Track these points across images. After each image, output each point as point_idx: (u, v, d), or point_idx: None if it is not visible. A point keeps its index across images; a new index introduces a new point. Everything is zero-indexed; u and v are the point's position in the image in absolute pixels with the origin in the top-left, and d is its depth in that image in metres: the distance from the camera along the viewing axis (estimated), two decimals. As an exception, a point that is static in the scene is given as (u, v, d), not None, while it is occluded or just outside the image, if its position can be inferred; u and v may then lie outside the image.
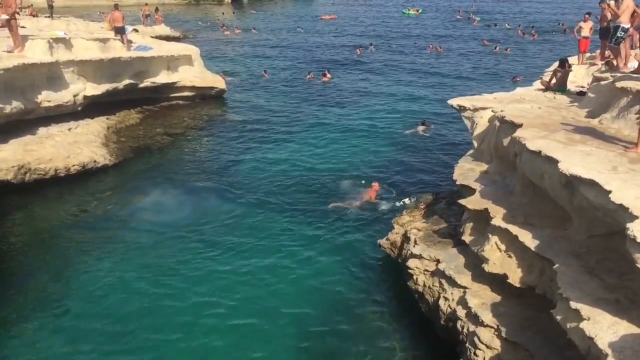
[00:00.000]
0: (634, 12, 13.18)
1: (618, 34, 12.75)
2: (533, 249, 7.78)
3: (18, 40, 18.35)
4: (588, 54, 18.64)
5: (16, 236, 14.48)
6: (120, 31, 23.07)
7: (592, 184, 6.61)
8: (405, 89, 29.62)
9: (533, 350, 7.46)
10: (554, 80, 14.56)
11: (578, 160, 7.35)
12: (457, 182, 11.23)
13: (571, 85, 14.85)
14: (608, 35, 16.70)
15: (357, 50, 39.61)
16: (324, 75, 31.02)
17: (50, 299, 11.84)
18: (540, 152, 7.95)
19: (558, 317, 6.39)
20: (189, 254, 13.63)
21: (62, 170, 16.90)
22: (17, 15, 18.59)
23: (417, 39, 44.83)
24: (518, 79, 29.19)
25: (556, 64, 15.89)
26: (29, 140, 17.54)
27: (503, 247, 8.54)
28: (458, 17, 57.70)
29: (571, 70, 15.21)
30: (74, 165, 17.16)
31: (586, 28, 18.48)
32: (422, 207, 14.27)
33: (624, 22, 13.09)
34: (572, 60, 17.52)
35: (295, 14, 64.12)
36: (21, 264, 13.16)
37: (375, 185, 16.60)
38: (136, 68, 22.88)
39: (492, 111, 11.87)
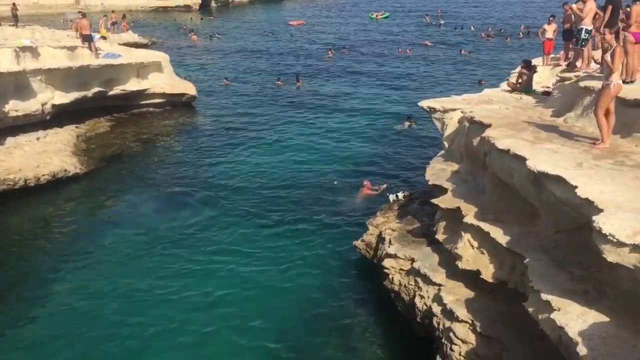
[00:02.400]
0: (596, 14, 13.63)
1: (582, 36, 13.16)
2: (504, 245, 8.02)
3: (-17, 50, 18.07)
4: (552, 55, 19.14)
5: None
6: (87, 39, 22.84)
7: (559, 180, 6.86)
8: (378, 90, 30.03)
9: (507, 343, 7.69)
10: (520, 82, 14.95)
11: (545, 157, 7.60)
12: (430, 182, 11.47)
13: (536, 86, 15.24)
14: (571, 37, 17.26)
15: (329, 52, 39.92)
16: (297, 80, 31.14)
17: (20, 309, 11.66)
18: (508, 150, 8.20)
19: (530, 309, 6.62)
20: (161, 260, 13.59)
21: (32, 180, 16.67)
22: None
23: (386, 43, 45.26)
24: (483, 82, 29.66)
25: (521, 65, 16.33)
26: (-4, 150, 17.28)
27: (475, 244, 8.77)
28: (426, 21, 58.39)
29: (536, 72, 15.62)
30: (43, 175, 16.94)
31: (550, 30, 18.96)
32: (395, 208, 14.47)
33: (588, 24, 13.52)
34: (537, 61, 17.96)
35: (263, 20, 64.08)
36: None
37: (367, 183, 16.91)
38: (105, 76, 22.68)
39: (462, 112, 12.12)
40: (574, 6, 14.24)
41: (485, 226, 8.54)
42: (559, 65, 17.44)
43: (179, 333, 10.94)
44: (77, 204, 16.74)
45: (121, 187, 17.89)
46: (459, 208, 9.63)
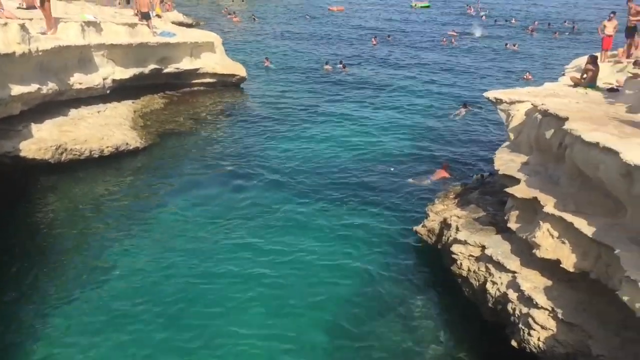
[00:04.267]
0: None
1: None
2: (590, 236, 8.18)
3: (51, 23, 18.53)
4: (610, 52, 19.03)
5: (52, 215, 14.65)
6: (145, 16, 23.26)
7: (657, 174, 7.00)
8: (425, 79, 30.27)
9: (590, 331, 7.88)
10: (585, 77, 14.95)
11: (639, 152, 7.71)
12: (500, 172, 11.62)
13: (599, 82, 15.23)
14: (633, 34, 17.24)
15: (373, 39, 40.00)
16: (343, 66, 31.33)
17: (84, 277, 12.02)
18: (597, 143, 8.32)
19: (625, 298, 6.79)
20: (217, 236, 13.87)
21: (97, 152, 17.17)
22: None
23: (429, 32, 45.09)
24: (529, 77, 29.47)
25: (576, 61, 16.37)
26: (62, 121, 17.75)
27: (556, 233, 8.93)
28: (469, 12, 57.89)
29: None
30: (107, 147, 17.42)
31: (610, 27, 18.86)
32: (451, 196, 14.65)
33: None
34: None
35: (303, 4, 64.12)
36: (57, 243, 13.41)
37: (445, 165, 17.51)
38: (161, 53, 23.12)
39: (532, 104, 12.22)
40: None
41: (568, 217, 8.71)
42: (619, 62, 17.35)
43: (237, 311, 11.10)
44: (138, 177, 17.16)
45: (177, 163, 18.27)
46: (535, 198, 9.79)
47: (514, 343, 8.89)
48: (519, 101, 13.27)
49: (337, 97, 26.03)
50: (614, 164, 7.90)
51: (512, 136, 13.23)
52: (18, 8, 20.97)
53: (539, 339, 8.36)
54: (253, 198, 15.96)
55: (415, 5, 62.67)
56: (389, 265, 12.89)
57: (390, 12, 58.37)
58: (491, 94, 13.84)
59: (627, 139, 8.49)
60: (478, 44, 40.60)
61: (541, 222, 9.26)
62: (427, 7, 62.09)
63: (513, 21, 52.04)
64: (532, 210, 10.10)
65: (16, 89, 15.37)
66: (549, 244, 8.97)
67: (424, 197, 15.98)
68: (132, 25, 21.86)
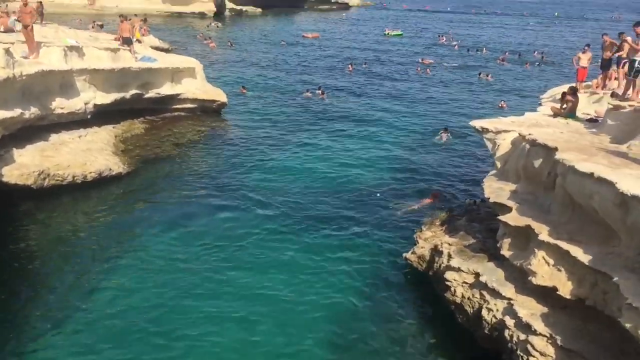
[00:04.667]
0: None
1: (637, 66, 13.64)
2: (587, 264, 8.39)
3: (33, 47, 18.39)
4: (584, 84, 19.66)
5: (33, 242, 14.44)
6: (127, 42, 23.22)
7: (653, 204, 7.26)
8: (403, 107, 30.57)
9: (589, 357, 8.04)
10: (564, 107, 15.42)
11: (633, 182, 7.99)
12: (491, 200, 11.82)
13: (577, 112, 15.72)
14: (609, 67, 17.86)
15: (349, 66, 40.55)
16: (322, 92, 31.61)
17: (65, 305, 11.85)
18: (592, 174, 8.58)
19: (627, 325, 6.97)
20: (203, 264, 13.76)
21: (80, 177, 16.96)
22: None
23: (404, 61, 45.82)
24: (504, 106, 30.16)
25: (551, 91, 16.89)
26: (43, 146, 17.56)
27: (551, 261, 9.14)
28: (442, 41, 59.25)
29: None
30: (90, 173, 17.22)
31: (585, 58, 19.51)
32: (438, 223, 14.84)
33: None
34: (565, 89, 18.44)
35: (277, 31, 64.60)
36: (37, 270, 13.20)
37: (437, 193, 17.80)
38: (143, 79, 23.08)
39: (520, 134, 12.54)
40: (628, 38, 14.72)
41: (563, 245, 8.92)
42: (595, 93, 17.92)
43: (214, 335, 11.04)
44: (122, 203, 16.97)
45: (160, 190, 18.08)
46: (528, 226, 10.01)
47: (512, 370, 9.00)
48: (505, 130, 13.59)
49: (316, 125, 26.12)
50: (609, 194, 8.15)
51: (498, 164, 13.52)
52: (-4, 31, 20.84)
53: (538, 366, 8.48)
54: (233, 227, 15.78)
55: (389, 33, 63.88)
56: (377, 296, 12.82)
57: (364, 40, 59.23)
58: (477, 123, 14.14)
59: (618, 170, 8.78)
60: (452, 74, 41.40)
61: (536, 250, 9.45)
62: (400, 35, 63.32)
63: (484, 51, 53.31)
64: (524, 237, 10.31)
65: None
66: (544, 271, 9.17)
67: (407, 225, 16.10)
68: (115, 50, 21.80)
